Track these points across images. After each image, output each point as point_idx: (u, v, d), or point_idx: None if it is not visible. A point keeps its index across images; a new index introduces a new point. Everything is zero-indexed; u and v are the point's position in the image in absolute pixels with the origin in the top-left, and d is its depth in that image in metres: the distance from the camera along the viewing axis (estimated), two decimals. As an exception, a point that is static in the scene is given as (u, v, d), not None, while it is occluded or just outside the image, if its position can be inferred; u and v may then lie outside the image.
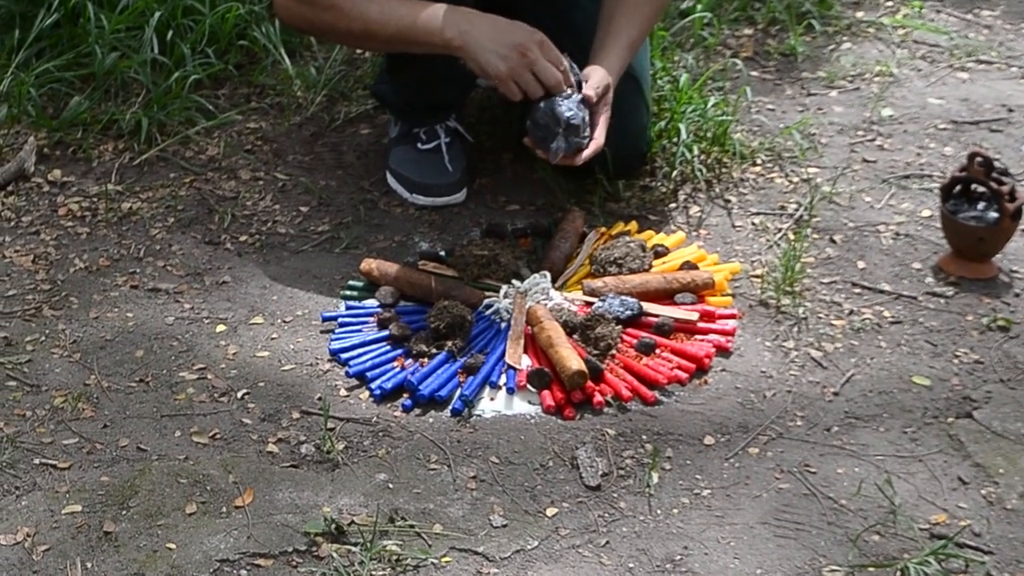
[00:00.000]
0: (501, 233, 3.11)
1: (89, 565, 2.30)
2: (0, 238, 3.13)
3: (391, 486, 2.46)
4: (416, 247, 3.09)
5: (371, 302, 2.91)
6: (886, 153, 3.43)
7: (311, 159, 3.42)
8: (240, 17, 3.71)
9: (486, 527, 2.38)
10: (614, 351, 2.76)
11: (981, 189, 3.00)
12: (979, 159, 2.99)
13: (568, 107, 2.91)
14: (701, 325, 2.83)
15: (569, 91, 2.93)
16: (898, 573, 2.27)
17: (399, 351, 2.77)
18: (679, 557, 2.32)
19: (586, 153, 2.96)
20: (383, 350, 2.77)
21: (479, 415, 2.64)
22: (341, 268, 3.03)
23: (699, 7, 3.89)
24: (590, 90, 2.94)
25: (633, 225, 3.14)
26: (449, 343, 2.75)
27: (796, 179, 3.31)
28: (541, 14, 3.19)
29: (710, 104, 3.40)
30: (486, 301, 2.89)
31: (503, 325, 2.84)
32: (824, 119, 3.57)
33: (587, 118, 2.94)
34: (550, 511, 2.41)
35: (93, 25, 3.61)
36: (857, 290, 2.95)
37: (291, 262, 3.06)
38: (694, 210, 3.21)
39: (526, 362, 2.73)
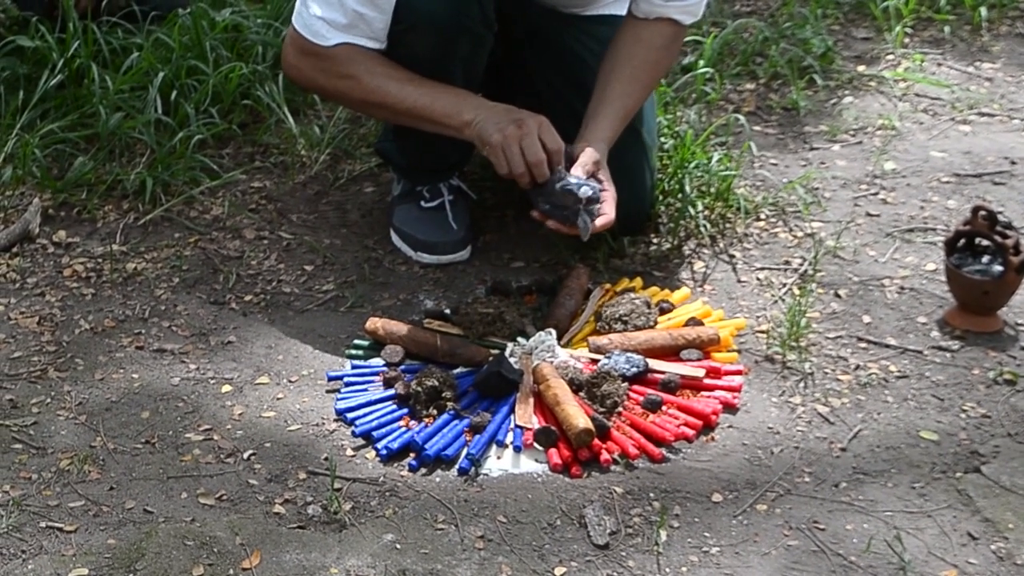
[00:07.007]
0: (506, 290, 3.11)
1: (96, 629, 2.30)
2: (5, 300, 3.12)
3: (398, 546, 2.45)
4: (421, 305, 3.09)
5: (377, 361, 2.91)
6: (889, 207, 3.43)
7: (315, 218, 3.43)
8: (244, 77, 3.72)
9: (494, 587, 2.38)
10: (620, 408, 2.75)
11: (985, 243, 3.00)
12: (983, 212, 2.99)
13: (580, 183, 2.92)
14: (707, 381, 2.82)
15: (562, 171, 2.95)
16: (909, 631, 2.28)
17: (405, 410, 2.76)
18: (689, 616, 2.32)
19: (599, 223, 2.96)
20: (389, 409, 2.77)
21: (486, 474, 2.63)
22: (346, 327, 3.03)
23: (701, 62, 3.91)
24: (578, 169, 2.95)
25: (638, 281, 3.14)
26: (450, 404, 2.75)
27: (800, 233, 3.32)
28: (550, 74, 3.22)
29: (714, 159, 3.41)
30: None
31: (509, 383, 2.84)
32: (827, 173, 3.58)
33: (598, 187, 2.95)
34: (558, 570, 2.40)
35: (97, 86, 3.62)
36: (863, 345, 2.95)
37: (296, 321, 3.06)
38: (699, 266, 3.21)
39: (532, 420, 2.73)
